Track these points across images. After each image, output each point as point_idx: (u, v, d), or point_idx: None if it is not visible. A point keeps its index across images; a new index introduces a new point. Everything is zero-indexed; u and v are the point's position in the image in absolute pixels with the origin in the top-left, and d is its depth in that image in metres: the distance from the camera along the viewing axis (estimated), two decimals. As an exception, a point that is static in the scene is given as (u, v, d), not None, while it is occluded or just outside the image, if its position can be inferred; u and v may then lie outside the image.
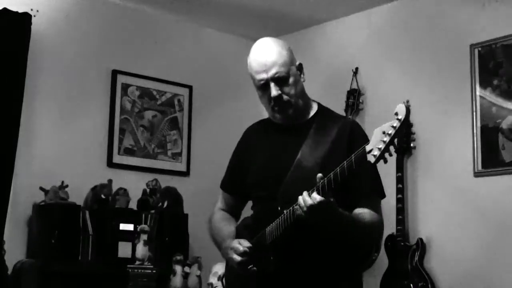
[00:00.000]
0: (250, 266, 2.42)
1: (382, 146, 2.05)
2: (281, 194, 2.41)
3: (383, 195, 2.51)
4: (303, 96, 2.50)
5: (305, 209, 2.23)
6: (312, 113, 2.54)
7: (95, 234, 4.39)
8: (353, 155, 2.16)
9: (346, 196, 2.37)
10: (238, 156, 2.69)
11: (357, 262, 2.53)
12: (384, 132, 2.06)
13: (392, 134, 2.05)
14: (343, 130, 2.45)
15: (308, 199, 2.23)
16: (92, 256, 4.37)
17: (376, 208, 2.44)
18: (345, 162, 2.18)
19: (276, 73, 2.41)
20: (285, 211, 2.33)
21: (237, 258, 2.42)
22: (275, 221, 2.37)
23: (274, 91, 2.42)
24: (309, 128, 2.48)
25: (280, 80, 2.43)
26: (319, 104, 2.59)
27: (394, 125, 2.05)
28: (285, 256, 2.38)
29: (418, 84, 4.79)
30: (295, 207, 2.29)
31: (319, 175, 2.24)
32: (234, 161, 2.71)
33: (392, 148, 2.07)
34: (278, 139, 2.53)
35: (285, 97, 2.44)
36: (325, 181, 2.22)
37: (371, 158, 2.08)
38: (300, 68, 2.50)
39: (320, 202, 2.21)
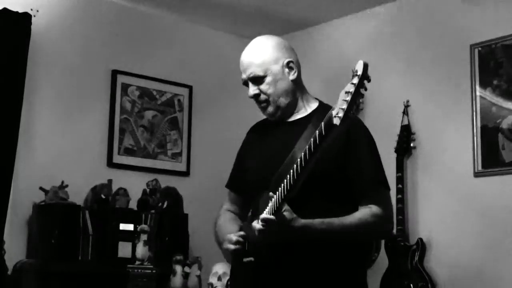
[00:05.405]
0: (247, 259, 2.38)
1: (345, 106, 2.02)
2: (272, 183, 2.34)
3: (387, 187, 2.43)
4: (287, 94, 2.48)
5: (256, 233, 2.28)
6: (310, 110, 2.51)
7: (95, 234, 4.40)
8: (322, 123, 2.10)
9: (348, 193, 2.37)
10: (240, 154, 2.69)
11: (356, 258, 2.42)
12: (346, 92, 2.04)
13: (353, 92, 2.02)
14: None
15: (256, 224, 2.28)
16: (92, 256, 4.38)
17: (381, 201, 2.36)
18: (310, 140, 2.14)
19: (251, 73, 2.47)
20: (270, 194, 2.27)
21: (231, 246, 2.40)
22: (265, 210, 2.31)
23: (250, 90, 2.51)
24: (307, 123, 2.41)
25: (256, 80, 2.48)
26: (320, 102, 2.56)
27: (354, 81, 2.04)
28: (276, 248, 2.31)
29: (418, 84, 4.79)
30: (272, 206, 2.26)
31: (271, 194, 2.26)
32: (236, 159, 2.71)
33: (361, 99, 2.05)
34: (276, 136, 2.51)
35: (262, 96, 2.49)
36: (288, 179, 2.20)
37: (336, 121, 2.04)
38: (288, 65, 2.48)
39: (265, 221, 2.24)
